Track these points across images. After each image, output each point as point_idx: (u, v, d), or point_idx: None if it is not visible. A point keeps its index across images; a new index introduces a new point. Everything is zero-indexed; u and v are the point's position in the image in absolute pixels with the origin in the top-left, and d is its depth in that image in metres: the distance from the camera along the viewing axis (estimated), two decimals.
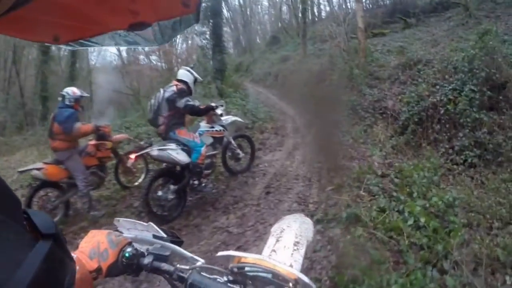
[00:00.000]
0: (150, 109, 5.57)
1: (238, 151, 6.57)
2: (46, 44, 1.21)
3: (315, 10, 30.12)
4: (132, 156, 5.39)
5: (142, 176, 6.97)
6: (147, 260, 1.00)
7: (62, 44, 0.90)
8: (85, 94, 5.98)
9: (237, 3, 34.83)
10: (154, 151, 5.20)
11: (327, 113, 10.70)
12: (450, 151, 7.70)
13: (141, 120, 12.64)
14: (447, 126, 8.17)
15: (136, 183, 6.97)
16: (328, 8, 29.15)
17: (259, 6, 38.01)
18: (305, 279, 0.92)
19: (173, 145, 5.27)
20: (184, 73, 5.78)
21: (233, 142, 6.47)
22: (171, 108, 5.38)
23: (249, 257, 1.02)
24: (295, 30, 26.52)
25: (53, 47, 16.09)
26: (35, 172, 5.48)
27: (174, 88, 5.45)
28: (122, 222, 1.14)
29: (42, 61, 17.35)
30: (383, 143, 8.19)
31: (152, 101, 5.59)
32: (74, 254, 0.92)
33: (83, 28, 0.84)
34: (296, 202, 5.34)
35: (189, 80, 5.69)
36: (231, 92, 13.48)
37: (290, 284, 0.92)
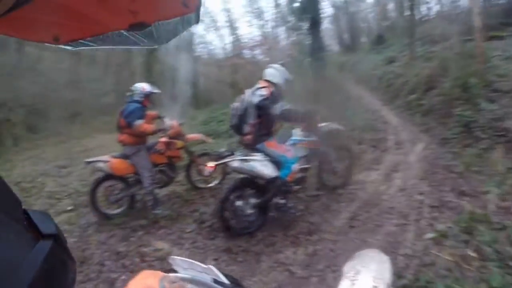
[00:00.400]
0: (234, 113, 5.08)
1: (337, 164, 6.01)
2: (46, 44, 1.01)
3: (425, 8, 27.57)
4: (211, 164, 4.86)
5: (218, 179, 6.97)
6: None
7: (62, 44, 0.91)
8: (156, 90, 5.93)
9: None
10: (235, 162, 4.78)
11: (435, 128, 9.48)
12: None
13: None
14: None
15: (210, 185, 6.98)
16: (438, 6, 26.51)
17: (364, 3, 36.11)
18: None
19: (258, 156, 4.84)
20: (273, 73, 5.18)
21: (331, 154, 5.91)
22: (259, 115, 4.86)
23: None
24: (402, 30, 24.57)
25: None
26: (100, 165, 5.63)
27: (264, 91, 4.89)
28: (178, 261, 1.05)
29: (149, 50, 18.20)
30: (502, 176, 6.82)
31: (236, 104, 5.10)
32: None
33: (83, 28, 0.87)
34: (382, 248, 4.34)
35: (279, 81, 5.12)
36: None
37: None
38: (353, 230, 5.01)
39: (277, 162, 4.91)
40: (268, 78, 5.13)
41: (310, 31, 13.00)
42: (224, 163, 4.88)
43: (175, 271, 1.03)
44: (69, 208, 7.04)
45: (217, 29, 24.80)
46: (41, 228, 0.53)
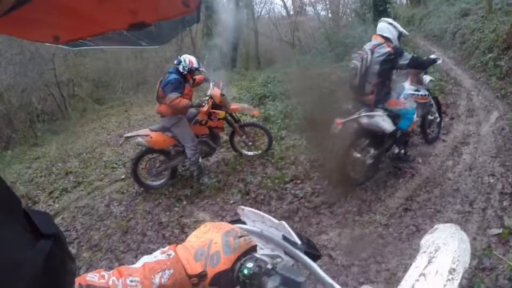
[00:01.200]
0: (355, 73, 4.95)
1: (437, 115, 6.09)
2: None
3: None
4: (339, 120, 4.82)
5: (263, 148, 6.75)
6: (271, 284, 0.77)
7: (62, 44, 0.91)
8: (202, 69, 5.81)
9: None
10: (364, 118, 4.92)
11: None
12: None
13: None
14: None
15: (256, 152, 6.79)
16: None
17: None
18: None
19: (380, 112, 4.95)
20: (386, 28, 4.99)
21: (434, 106, 5.97)
22: (381, 73, 4.87)
23: None
24: None
25: None
26: (139, 140, 5.57)
27: (386, 48, 4.79)
28: (247, 212, 1.02)
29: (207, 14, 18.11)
30: None
31: (356, 63, 4.92)
32: (171, 251, 0.84)
33: (83, 28, 0.85)
34: None
35: (392, 36, 4.95)
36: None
37: None
38: (408, 213, 4.50)
39: (396, 116, 5.08)
40: (384, 34, 4.95)
41: None
42: (353, 119, 4.93)
43: (243, 223, 1.04)
44: (122, 177, 7.12)
45: None
46: (41, 228, 0.52)
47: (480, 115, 7.43)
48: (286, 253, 0.93)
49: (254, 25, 23.02)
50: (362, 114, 4.91)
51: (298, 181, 5.63)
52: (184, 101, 5.36)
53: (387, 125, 4.89)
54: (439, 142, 6.41)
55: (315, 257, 0.90)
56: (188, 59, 5.53)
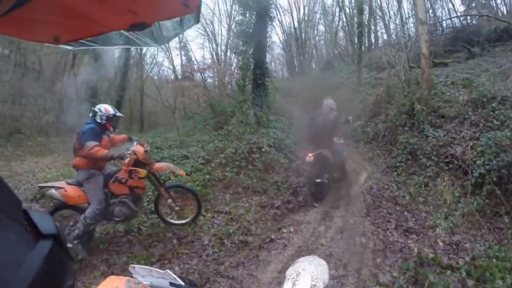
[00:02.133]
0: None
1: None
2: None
3: (372, 37, 28.35)
4: (310, 154, 6.70)
5: (192, 216, 5.89)
6: None
7: (62, 44, 0.92)
8: (119, 114, 5.53)
9: (292, 25, 33.78)
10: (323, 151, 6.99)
11: (380, 156, 9.03)
12: None
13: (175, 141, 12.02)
14: None
15: (184, 221, 5.89)
16: (385, 36, 27.32)
17: (315, 31, 36.28)
18: None
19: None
20: (331, 102, 7.80)
21: None
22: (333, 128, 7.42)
23: None
24: (351, 57, 25.31)
25: (104, 53, 16.90)
26: (52, 192, 4.97)
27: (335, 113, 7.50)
28: (138, 269, 1.08)
29: (94, 68, 17.58)
30: (449, 206, 6.32)
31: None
32: None
33: (84, 28, 0.86)
34: None
35: (335, 107, 7.76)
36: (272, 120, 11.83)
37: None
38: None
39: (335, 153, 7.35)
40: (331, 106, 7.64)
41: (254, 56, 12.33)
42: (318, 152, 6.85)
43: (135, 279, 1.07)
44: None
45: (168, 50, 24.25)
46: (41, 228, 0.53)
47: (350, 177, 7.76)
48: None
49: (141, 85, 22.71)
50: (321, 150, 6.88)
51: (166, 261, 5.02)
52: (104, 151, 4.95)
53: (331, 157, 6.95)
54: (311, 208, 6.44)
55: None
56: (104, 108, 5.21)
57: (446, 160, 8.02)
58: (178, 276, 1.04)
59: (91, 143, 4.84)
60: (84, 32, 0.88)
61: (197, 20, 1.03)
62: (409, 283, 3.78)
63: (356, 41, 20.48)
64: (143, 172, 5.36)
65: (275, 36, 35.32)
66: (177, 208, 5.75)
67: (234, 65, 23.35)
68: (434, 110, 9.86)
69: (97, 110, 5.16)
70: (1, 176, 0.50)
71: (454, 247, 4.88)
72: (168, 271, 1.04)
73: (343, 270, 4.23)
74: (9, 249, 0.45)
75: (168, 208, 5.91)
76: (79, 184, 5.06)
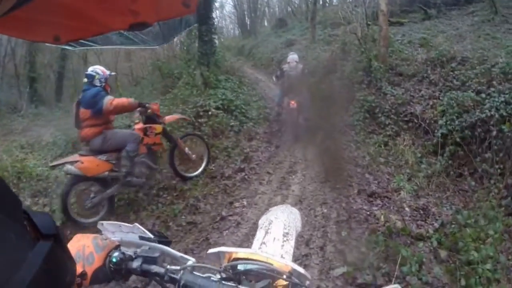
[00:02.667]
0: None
1: None
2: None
3: None
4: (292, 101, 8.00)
5: (203, 164, 6.04)
6: (135, 264, 0.93)
7: (62, 44, 0.91)
8: (113, 73, 5.53)
9: None
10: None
11: (336, 115, 8.55)
12: (505, 192, 5.07)
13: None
14: (501, 155, 5.59)
15: (195, 173, 5.95)
16: None
17: None
18: (300, 269, 0.87)
19: None
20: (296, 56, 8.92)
21: None
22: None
23: (240, 252, 0.97)
24: (304, 15, 24.42)
25: None
26: (68, 168, 4.66)
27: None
28: (106, 226, 1.05)
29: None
30: (412, 167, 5.93)
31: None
32: None
33: (84, 28, 0.86)
34: None
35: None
36: (221, 80, 10.74)
37: (285, 276, 0.87)
38: None
39: None
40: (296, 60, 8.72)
41: (199, 11, 11.08)
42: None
43: (105, 236, 1.06)
44: None
45: None
46: (41, 228, 0.52)
47: (305, 141, 7.23)
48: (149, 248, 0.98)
49: (84, 52, 20.94)
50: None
51: None
52: (129, 99, 4.92)
53: None
54: (266, 175, 5.84)
55: (168, 243, 0.98)
56: (100, 69, 4.92)
57: (406, 119, 7.65)
58: (147, 229, 0.99)
59: (108, 98, 4.66)
60: (84, 32, 0.87)
61: (197, 20, 0.81)
62: (380, 260, 3.29)
63: None
64: (159, 127, 5.29)
65: None
66: (193, 156, 5.78)
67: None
68: (392, 68, 9.46)
69: (95, 74, 4.84)
70: (1, 176, 0.48)
71: (422, 212, 4.49)
72: (136, 224, 0.98)
73: (306, 248, 3.65)
74: (9, 249, 0.44)
75: (182, 161, 5.91)
76: (94, 154, 4.78)
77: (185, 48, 11.97)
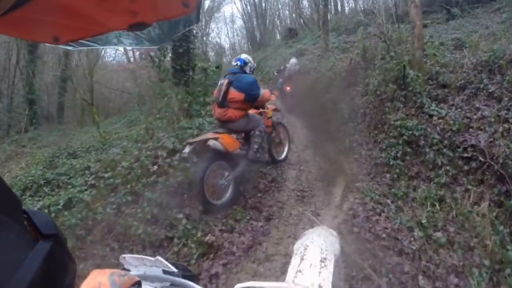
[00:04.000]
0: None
1: None
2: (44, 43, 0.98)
3: (339, 5, 26.72)
4: (287, 87, 10.77)
5: (285, 150, 6.40)
6: None
7: (62, 44, 0.90)
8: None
9: None
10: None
11: (363, 146, 6.10)
12: None
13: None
14: None
15: (281, 157, 6.25)
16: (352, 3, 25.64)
17: (277, 1, 33.59)
18: None
19: None
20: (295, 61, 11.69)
21: None
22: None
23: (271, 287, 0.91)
24: (316, 23, 22.54)
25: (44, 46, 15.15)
26: (213, 142, 4.59)
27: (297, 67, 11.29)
28: (128, 259, 1.06)
29: (28, 60, 16.01)
30: (491, 254, 3.36)
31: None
32: None
33: (83, 28, 0.85)
34: None
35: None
36: (208, 103, 8.08)
37: None
38: None
39: None
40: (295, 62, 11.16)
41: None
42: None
43: (127, 270, 1.05)
44: None
45: None
46: (41, 228, 0.52)
47: (320, 192, 4.76)
48: (171, 284, 0.97)
49: (90, 72, 19.58)
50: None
51: None
52: (267, 92, 5.44)
53: None
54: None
55: (191, 277, 0.96)
56: (251, 58, 5.25)
57: (465, 154, 5.07)
58: (170, 262, 0.98)
59: (262, 91, 5.12)
60: (84, 32, 0.83)
61: (197, 20, 0.95)
62: None
63: (321, 4, 17.45)
64: (269, 112, 5.78)
65: (234, 8, 33.28)
66: (277, 141, 6.22)
67: None
68: (431, 77, 6.91)
69: (248, 61, 5.10)
70: (1, 176, 0.47)
71: None
72: (159, 257, 0.97)
73: None
74: (8, 249, 0.44)
75: (273, 145, 6.04)
76: (229, 132, 4.93)
77: (156, 65, 9.20)
